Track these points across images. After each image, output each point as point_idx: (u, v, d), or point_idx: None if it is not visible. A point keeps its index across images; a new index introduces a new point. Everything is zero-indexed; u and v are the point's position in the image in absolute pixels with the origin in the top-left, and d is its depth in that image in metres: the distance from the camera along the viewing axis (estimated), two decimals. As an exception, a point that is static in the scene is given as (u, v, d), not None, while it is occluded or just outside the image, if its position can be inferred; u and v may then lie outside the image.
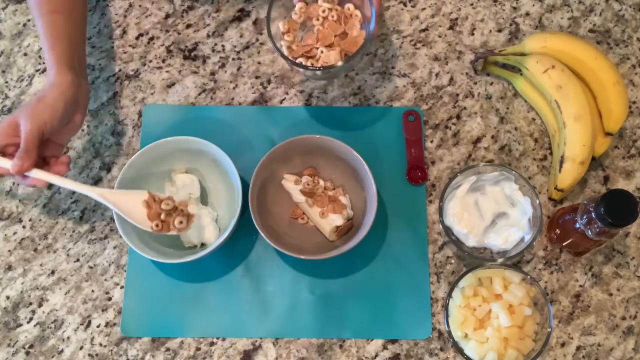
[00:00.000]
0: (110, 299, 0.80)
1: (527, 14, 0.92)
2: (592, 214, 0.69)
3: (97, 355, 0.78)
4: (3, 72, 0.90)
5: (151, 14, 0.93)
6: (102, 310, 0.80)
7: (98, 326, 0.79)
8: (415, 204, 0.83)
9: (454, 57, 0.90)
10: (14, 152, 0.71)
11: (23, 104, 0.73)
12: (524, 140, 0.86)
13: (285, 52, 0.78)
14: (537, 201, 0.76)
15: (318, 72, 0.78)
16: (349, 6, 0.79)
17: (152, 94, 0.89)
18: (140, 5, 0.93)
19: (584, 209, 0.71)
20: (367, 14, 0.78)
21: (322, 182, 0.82)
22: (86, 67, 0.81)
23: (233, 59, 0.90)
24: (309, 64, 0.78)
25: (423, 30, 0.91)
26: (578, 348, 0.78)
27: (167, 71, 0.90)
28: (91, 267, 0.81)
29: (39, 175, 0.71)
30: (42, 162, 0.74)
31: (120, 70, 0.90)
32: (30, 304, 0.80)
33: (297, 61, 0.78)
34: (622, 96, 0.81)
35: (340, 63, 0.75)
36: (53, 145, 0.75)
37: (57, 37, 0.75)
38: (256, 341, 0.78)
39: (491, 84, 0.88)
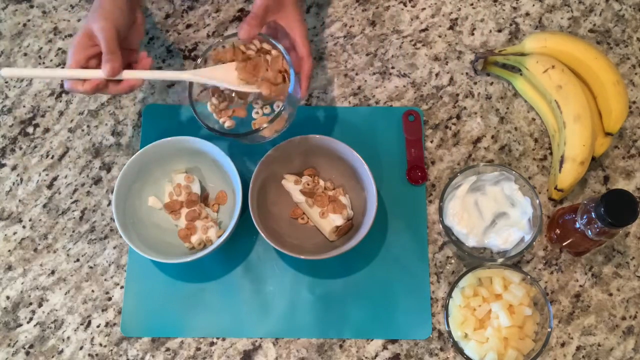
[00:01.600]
0: (110, 299, 0.80)
1: (527, 14, 0.92)
2: (592, 214, 0.69)
3: (97, 355, 0.78)
4: (3, 72, 0.90)
5: (151, 14, 0.93)
6: (102, 310, 0.80)
7: (98, 326, 0.79)
8: (415, 204, 0.83)
9: (454, 57, 0.90)
10: (97, 65, 0.70)
11: (87, 15, 0.71)
12: (524, 140, 0.86)
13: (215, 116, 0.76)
14: (537, 201, 0.76)
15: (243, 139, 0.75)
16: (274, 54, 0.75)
17: (152, 94, 0.89)
18: (140, 5, 0.93)
19: (584, 209, 0.71)
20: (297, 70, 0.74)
21: (322, 182, 0.82)
22: None
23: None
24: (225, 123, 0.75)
25: (423, 30, 0.91)
26: (578, 348, 0.78)
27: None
28: (91, 267, 0.81)
29: (131, 74, 0.70)
30: (126, 67, 0.71)
31: (120, 70, 0.90)
32: (30, 304, 0.80)
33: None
34: (622, 96, 0.81)
35: (265, 125, 0.71)
36: (126, 52, 0.72)
37: None
38: (256, 341, 0.78)
39: (491, 84, 0.88)
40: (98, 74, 0.68)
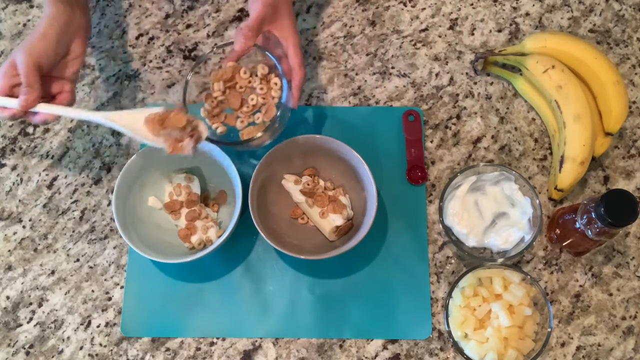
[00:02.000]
0: (110, 299, 0.80)
1: (527, 14, 0.92)
2: (592, 214, 0.69)
3: (97, 355, 0.78)
4: (3, 72, 0.90)
5: (151, 14, 0.93)
6: (102, 310, 0.80)
7: (98, 326, 0.79)
8: (415, 204, 0.83)
9: (454, 57, 0.90)
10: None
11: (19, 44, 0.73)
12: (524, 140, 0.86)
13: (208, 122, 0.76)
14: (537, 201, 0.76)
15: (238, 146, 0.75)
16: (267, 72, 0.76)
17: (152, 94, 0.88)
18: (140, 5, 0.93)
19: (584, 209, 0.71)
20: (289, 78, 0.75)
21: (322, 182, 0.82)
22: (87, 2, 0.79)
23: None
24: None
25: (423, 30, 0.91)
26: (578, 348, 0.78)
27: (167, 71, 0.90)
28: (91, 267, 0.81)
29: (45, 109, 0.71)
30: (51, 99, 0.73)
31: (120, 70, 0.90)
32: (30, 304, 0.80)
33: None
34: (622, 96, 0.81)
35: (259, 134, 0.73)
36: (58, 81, 0.74)
37: None
38: (256, 341, 0.78)
39: (491, 84, 0.88)
40: (13, 104, 0.70)
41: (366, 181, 0.78)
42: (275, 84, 0.75)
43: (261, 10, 0.72)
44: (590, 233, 0.71)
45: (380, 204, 0.82)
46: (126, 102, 0.88)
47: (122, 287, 0.80)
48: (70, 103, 0.74)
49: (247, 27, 0.71)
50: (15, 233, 0.83)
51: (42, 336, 0.79)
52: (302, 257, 0.74)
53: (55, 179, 0.85)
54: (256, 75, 0.77)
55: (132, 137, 0.72)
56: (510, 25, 0.91)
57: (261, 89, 0.76)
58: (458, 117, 0.87)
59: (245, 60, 0.77)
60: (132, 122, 0.71)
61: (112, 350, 0.78)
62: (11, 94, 0.71)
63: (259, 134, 0.72)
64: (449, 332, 0.73)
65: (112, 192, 0.78)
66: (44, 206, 0.84)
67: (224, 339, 0.78)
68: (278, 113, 0.73)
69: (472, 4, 0.92)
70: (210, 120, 0.77)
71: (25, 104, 0.69)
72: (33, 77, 0.69)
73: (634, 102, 0.87)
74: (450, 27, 0.91)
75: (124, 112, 0.73)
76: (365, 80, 0.88)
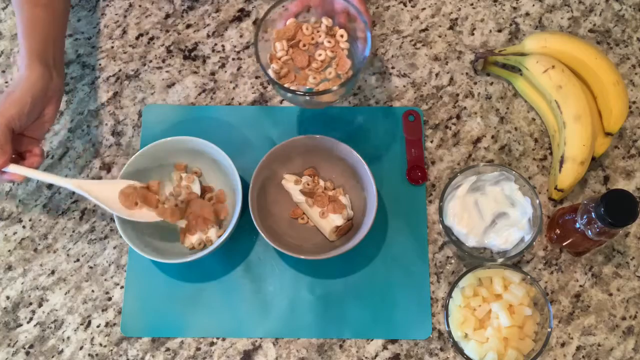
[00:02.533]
0: (110, 299, 0.80)
1: (527, 14, 0.92)
2: (592, 214, 0.69)
3: (97, 355, 0.78)
4: (3, 72, 0.90)
5: (151, 14, 0.93)
6: (102, 310, 0.80)
7: (98, 326, 0.79)
8: (415, 204, 0.83)
9: (454, 57, 0.90)
10: None
11: None
12: (524, 140, 0.86)
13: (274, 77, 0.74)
14: (537, 201, 0.76)
15: (309, 98, 0.73)
16: (335, 28, 0.74)
17: (152, 94, 0.89)
18: (140, 5, 0.93)
19: (584, 209, 0.71)
20: (356, 33, 0.74)
21: (322, 182, 0.82)
22: (63, 62, 0.80)
23: (233, 59, 0.90)
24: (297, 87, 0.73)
25: (423, 30, 0.91)
26: (578, 348, 0.78)
27: (167, 71, 0.90)
28: (91, 267, 0.81)
29: (15, 170, 0.72)
30: (19, 157, 0.74)
31: (120, 70, 0.90)
32: (30, 304, 0.80)
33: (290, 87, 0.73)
34: (622, 96, 0.81)
35: (335, 87, 0.70)
36: (28, 140, 0.75)
37: (32, 29, 0.75)
38: (256, 341, 0.78)
39: (491, 84, 0.88)
40: None
41: (366, 181, 0.78)
42: (342, 35, 0.73)
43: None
44: (590, 233, 0.71)
45: (380, 204, 0.82)
46: (126, 102, 0.88)
47: (122, 287, 0.80)
48: (39, 164, 0.75)
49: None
50: (15, 233, 0.83)
51: (42, 336, 0.79)
52: (302, 257, 0.74)
53: (55, 179, 0.85)
54: (317, 32, 0.74)
55: (104, 208, 0.73)
56: (510, 25, 0.91)
57: (329, 42, 0.74)
58: (458, 117, 0.87)
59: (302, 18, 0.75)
60: (107, 194, 0.74)
61: (112, 350, 0.78)
62: None
63: (335, 88, 0.69)
64: (449, 332, 0.73)
65: (112, 192, 0.78)
66: (44, 206, 0.84)
67: (224, 339, 0.78)
68: (358, 67, 0.69)
69: (472, 4, 0.92)
70: (280, 81, 0.74)
71: None
72: (4, 139, 0.69)
73: (634, 102, 0.87)
74: (450, 27, 0.91)
75: (95, 182, 0.75)
76: (365, 80, 0.88)
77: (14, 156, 0.73)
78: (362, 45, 0.73)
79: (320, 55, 0.74)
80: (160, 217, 0.76)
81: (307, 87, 0.74)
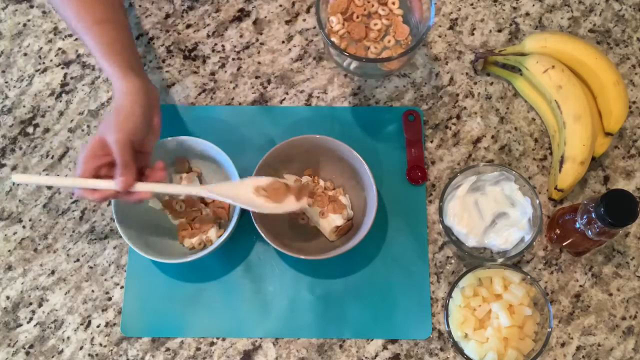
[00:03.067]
0: (110, 299, 0.80)
1: (527, 14, 0.92)
2: (592, 214, 0.69)
3: (97, 355, 0.78)
4: (3, 72, 0.90)
5: (151, 14, 0.93)
6: (102, 310, 0.80)
7: (98, 326, 0.79)
8: (415, 204, 0.83)
9: (454, 57, 0.90)
10: (107, 173, 0.68)
11: (102, 122, 0.71)
12: (524, 140, 0.86)
13: (337, 42, 0.74)
14: (537, 201, 0.76)
15: (378, 65, 0.72)
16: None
17: (152, 94, 0.88)
18: (140, 5, 0.93)
19: (584, 209, 0.71)
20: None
21: (322, 182, 0.82)
22: (143, 68, 0.79)
23: (233, 59, 0.90)
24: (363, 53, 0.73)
25: (423, 30, 0.91)
26: (578, 348, 0.78)
27: (167, 71, 0.90)
28: (91, 267, 0.81)
29: (143, 187, 0.69)
30: (139, 175, 0.70)
31: (120, 70, 0.90)
32: (30, 304, 0.80)
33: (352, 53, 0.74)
34: (622, 96, 0.81)
35: (396, 55, 0.71)
36: (141, 156, 0.71)
37: (111, 45, 0.72)
38: (256, 341, 0.78)
39: (491, 84, 0.88)
40: (110, 186, 0.67)
41: (366, 181, 0.78)
42: (393, 3, 0.73)
43: None
44: (590, 233, 0.71)
45: (380, 204, 0.82)
46: (126, 102, 0.88)
47: (122, 287, 0.80)
48: (166, 178, 0.72)
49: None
50: (15, 233, 0.83)
51: (42, 336, 0.79)
52: (302, 257, 0.74)
53: (55, 179, 0.85)
54: (369, 1, 0.74)
55: (240, 206, 0.72)
56: (510, 25, 0.91)
57: (383, 10, 0.74)
58: (458, 117, 0.87)
59: None
60: (241, 194, 0.72)
61: (112, 350, 0.78)
62: (96, 175, 0.68)
63: (395, 56, 0.70)
64: (449, 332, 0.73)
65: (112, 192, 0.78)
66: (44, 206, 0.84)
67: (224, 339, 0.78)
68: (423, 34, 0.69)
69: (472, 4, 0.92)
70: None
71: (125, 186, 0.67)
72: (129, 155, 0.67)
73: (634, 102, 0.87)
74: (450, 27, 0.91)
75: (225, 185, 0.74)
76: (365, 80, 0.88)
77: None
78: (418, 10, 0.72)
79: (376, 24, 0.74)
80: (298, 201, 0.74)
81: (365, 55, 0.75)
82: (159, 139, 0.74)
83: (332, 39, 0.74)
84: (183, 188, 0.74)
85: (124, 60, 0.72)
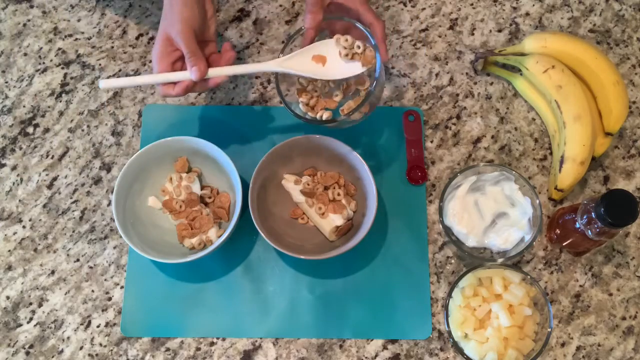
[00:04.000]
0: (110, 299, 0.80)
1: (527, 14, 0.92)
2: (592, 214, 0.69)
3: (97, 355, 0.78)
4: (3, 72, 0.90)
5: (151, 14, 0.93)
6: (102, 310, 0.80)
7: (98, 326, 0.79)
8: (415, 204, 0.83)
9: (454, 57, 0.90)
10: (183, 67, 0.71)
11: (161, 20, 0.72)
12: (524, 140, 0.86)
13: (302, 109, 0.78)
14: (537, 201, 0.76)
15: (342, 120, 0.75)
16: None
17: (152, 94, 0.89)
18: (140, 5, 0.93)
19: (584, 209, 0.71)
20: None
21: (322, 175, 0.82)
22: None
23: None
24: (322, 116, 0.76)
25: (423, 30, 0.91)
26: (578, 348, 0.78)
27: (167, 71, 0.89)
28: (91, 267, 0.81)
29: (216, 72, 0.71)
30: (208, 63, 0.73)
31: (120, 70, 0.90)
32: (30, 304, 0.80)
33: (313, 116, 0.77)
34: (622, 96, 0.81)
35: (355, 109, 0.73)
36: (206, 44, 0.74)
37: None
38: (256, 341, 0.78)
39: (491, 84, 0.88)
40: (185, 76, 0.70)
41: (366, 181, 0.78)
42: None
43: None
44: (590, 233, 0.71)
45: (380, 204, 0.82)
46: (126, 102, 0.88)
47: (122, 287, 0.80)
48: (235, 58, 0.74)
49: (311, 2, 0.71)
50: (15, 233, 0.83)
51: (42, 336, 0.79)
52: (302, 257, 0.74)
53: (55, 179, 0.85)
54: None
55: (306, 76, 0.73)
56: (510, 25, 0.91)
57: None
58: (458, 117, 0.87)
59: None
60: (302, 64, 0.73)
61: (112, 350, 0.78)
62: (172, 71, 0.71)
63: (355, 109, 0.72)
64: (449, 332, 0.73)
65: (112, 192, 0.78)
66: (44, 206, 0.84)
67: (224, 339, 0.78)
68: (373, 86, 0.71)
69: (472, 4, 0.92)
70: (311, 113, 0.77)
71: (199, 74, 0.69)
72: (194, 45, 0.70)
73: (634, 102, 0.87)
74: (450, 27, 0.91)
75: (293, 56, 0.74)
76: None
77: None
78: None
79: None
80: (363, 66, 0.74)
81: (337, 106, 0.79)
82: (215, 27, 0.75)
83: (302, 98, 0.77)
84: (254, 66, 0.74)
85: None
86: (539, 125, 0.86)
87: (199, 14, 0.71)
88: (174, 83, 0.71)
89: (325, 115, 0.75)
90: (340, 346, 0.78)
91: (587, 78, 0.82)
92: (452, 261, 0.81)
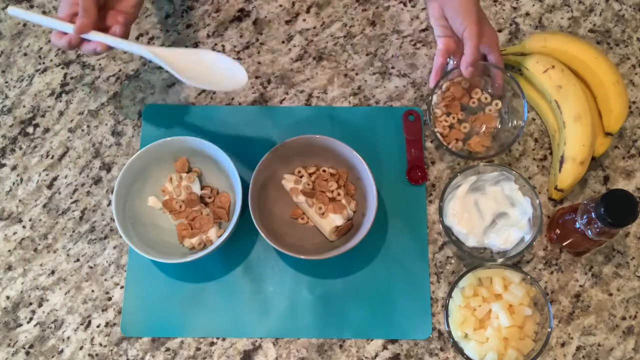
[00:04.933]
0: (110, 299, 0.80)
1: (527, 14, 0.92)
2: (592, 214, 0.69)
3: (97, 355, 0.78)
4: (3, 72, 0.90)
5: (151, 14, 0.93)
6: (102, 310, 0.80)
7: (98, 326, 0.79)
8: (415, 204, 0.83)
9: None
10: None
11: None
12: (524, 140, 0.86)
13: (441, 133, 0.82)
14: (537, 201, 0.76)
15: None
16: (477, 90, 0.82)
17: (152, 94, 0.89)
18: (140, 5, 0.93)
19: (584, 209, 0.71)
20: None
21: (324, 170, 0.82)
22: None
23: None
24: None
25: (423, 30, 0.91)
26: (578, 348, 0.78)
27: (167, 71, 0.89)
28: (91, 267, 0.81)
29: (97, 37, 0.71)
30: (107, 31, 0.73)
31: (120, 70, 0.90)
32: (30, 304, 0.80)
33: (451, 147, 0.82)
34: (622, 96, 0.81)
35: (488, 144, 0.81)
36: (114, 14, 0.74)
37: None
38: (256, 341, 0.78)
39: (491, 84, 0.88)
40: (69, 29, 0.71)
41: (366, 181, 0.78)
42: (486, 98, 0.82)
43: (476, 33, 0.74)
44: (590, 233, 0.71)
45: (380, 204, 0.82)
46: (126, 102, 0.88)
47: (122, 287, 0.80)
48: (122, 35, 0.74)
49: (471, 62, 0.74)
50: (15, 233, 0.83)
51: (42, 336, 0.79)
52: (302, 257, 0.74)
53: (55, 179, 0.85)
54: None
55: (175, 75, 0.73)
56: (510, 25, 0.91)
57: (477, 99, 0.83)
58: (458, 117, 0.87)
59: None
60: (173, 58, 0.74)
61: (112, 350, 0.78)
62: (71, 22, 0.72)
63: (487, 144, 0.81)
64: (449, 332, 0.73)
65: (112, 192, 0.78)
66: (44, 206, 0.84)
67: (224, 339, 0.78)
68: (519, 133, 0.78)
69: (472, 4, 0.92)
70: (445, 140, 0.82)
71: (79, 29, 0.70)
72: (90, 3, 0.70)
73: (634, 102, 0.87)
74: (450, 27, 0.91)
75: (170, 50, 0.75)
76: (365, 80, 0.88)
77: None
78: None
79: (474, 102, 0.83)
80: None
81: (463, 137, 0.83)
82: (135, 3, 0.75)
83: (438, 128, 0.82)
84: (129, 45, 0.73)
85: None
86: (539, 125, 0.86)
87: None
88: (65, 33, 0.72)
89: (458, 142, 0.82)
90: (340, 346, 0.78)
91: (587, 78, 0.82)
92: (452, 261, 0.81)
